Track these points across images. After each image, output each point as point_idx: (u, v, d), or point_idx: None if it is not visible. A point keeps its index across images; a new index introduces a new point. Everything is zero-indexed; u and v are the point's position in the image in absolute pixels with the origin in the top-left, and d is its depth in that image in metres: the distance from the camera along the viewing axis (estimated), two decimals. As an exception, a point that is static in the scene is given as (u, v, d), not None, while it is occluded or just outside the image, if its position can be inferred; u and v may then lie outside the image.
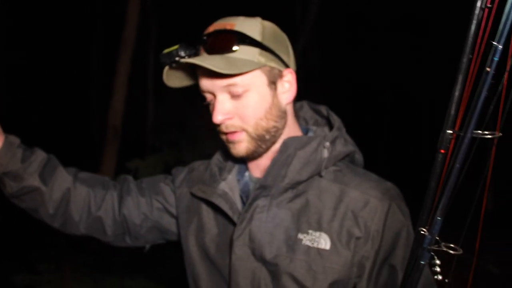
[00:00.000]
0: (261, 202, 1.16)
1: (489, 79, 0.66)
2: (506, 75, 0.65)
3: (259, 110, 1.13)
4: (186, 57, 1.13)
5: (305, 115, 1.35)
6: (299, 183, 1.15)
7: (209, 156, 1.37)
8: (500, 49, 0.64)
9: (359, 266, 1.10)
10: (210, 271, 1.26)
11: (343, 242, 1.10)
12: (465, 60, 0.69)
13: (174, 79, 1.23)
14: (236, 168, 1.31)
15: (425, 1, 9.87)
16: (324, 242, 1.10)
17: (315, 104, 1.36)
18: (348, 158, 1.24)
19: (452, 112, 0.70)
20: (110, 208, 1.38)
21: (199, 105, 1.22)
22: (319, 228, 1.12)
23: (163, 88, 1.30)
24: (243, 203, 1.23)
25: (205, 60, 1.07)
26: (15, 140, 1.28)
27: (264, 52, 1.12)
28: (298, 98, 1.36)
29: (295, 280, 1.10)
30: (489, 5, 0.66)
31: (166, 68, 1.18)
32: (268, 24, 1.16)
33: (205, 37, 1.13)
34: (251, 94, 1.12)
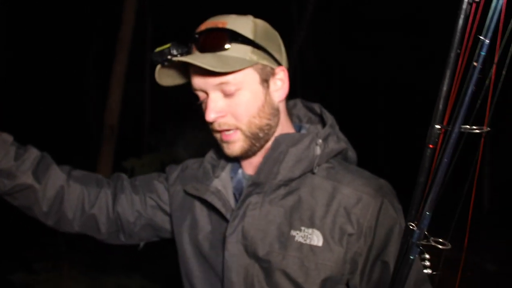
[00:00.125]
0: (253, 199, 1.16)
1: (476, 74, 0.66)
2: (494, 68, 0.65)
3: (252, 108, 1.14)
4: (178, 55, 1.13)
5: (298, 112, 1.36)
6: (291, 180, 1.16)
7: (204, 155, 1.37)
8: (487, 43, 0.65)
9: (351, 263, 1.10)
10: (204, 268, 1.26)
11: (335, 238, 1.10)
12: (452, 55, 0.69)
13: (166, 77, 1.23)
14: (229, 165, 1.31)
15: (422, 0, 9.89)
16: (316, 238, 1.10)
17: (309, 102, 1.36)
18: (341, 155, 1.24)
19: (440, 107, 0.71)
20: (104, 206, 1.38)
21: (195, 104, 1.22)
22: (311, 224, 1.12)
23: (160, 88, 1.30)
24: (236, 200, 1.23)
25: (197, 59, 1.07)
26: (8, 138, 1.27)
27: (256, 50, 1.12)
28: (294, 97, 1.36)
29: (288, 276, 1.11)
30: (476, 0, 0.67)
31: (158, 66, 1.18)
32: (260, 22, 1.16)
33: (197, 35, 1.13)
34: (244, 92, 1.12)
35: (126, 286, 3.31)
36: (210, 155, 1.34)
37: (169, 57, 1.14)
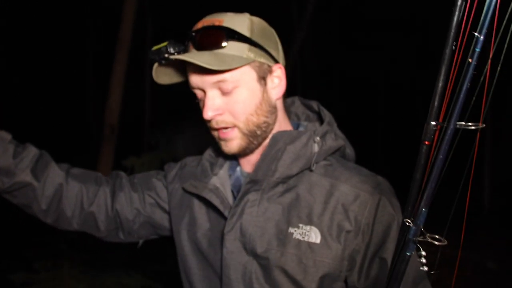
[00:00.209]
0: (251, 196, 1.16)
1: (471, 70, 0.66)
2: (489, 63, 0.65)
3: (250, 106, 1.14)
4: (175, 53, 1.14)
5: (296, 110, 1.36)
6: (289, 177, 1.16)
7: (203, 153, 1.38)
8: (481, 40, 0.65)
9: (349, 260, 1.11)
10: (202, 266, 1.26)
11: (333, 235, 1.10)
12: (447, 51, 0.69)
13: (163, 76, 1.23)
14: (227, 163, 1.31)
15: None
16: (314, 235, 1.11)
17: (307, 100, 1.36)
18: (339, 152, 1.25)
19: (436, 103, 0.71)
20: (102, 204, 1.39)
21: (193, 102, 1.23)
22: (309, 222, 1.12)
23: (160, 87, 1.31)
24: (235, 197, 1.24)
25: (194, 57, 1.07)
26: (7, 135, 1.28)
27: (253, 48, 1.12)
28: (294, 96, 1.36)
29: (286, 273, 1.11)
30: (471, -4, 0.67)
31: (156, 65, 1.19)
32: (256, 19, 1.17)
33: (193, 34, 1.13)
34: (241, 90, 1.13)
35: (126, 285, 3.31)
36: (209, 153, 1.35)
37: (166, 55, 1.14)
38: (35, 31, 10.50)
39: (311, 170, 1.16)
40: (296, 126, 1.30)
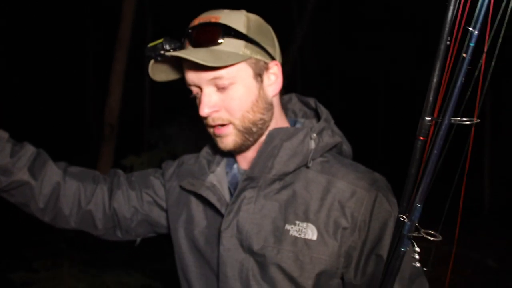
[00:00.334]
0: (248, 193, 1.16)
1: (465, 65, 0.66)
2: (483, 56, 0.65)
3: (246, 103, 1.14)
4: (171, 50, 1.14)
5: (294, 107, 1.36)
6: (286, 174, 1.16)
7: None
8: (476, 34, 0.64)
9: (346, 256, 1.10)
10: (199, 263, 1.26)
11: (330, 232, 1.10)
12: (442, 46, 0.69)
13: (160, 73, 1.23)
14: (224, 160, 1.31)
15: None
16: (311, 232, 1.11)
17: (304, 97, 1.36)
18: (335, 149, 1.25)
19: (431, 99, 0.70)
20: (100, 202, 1.39)
21: (189, 99, 1.23)
22: (306, 219, 1.12)
23: (159, 86, 1.30)
24: (232, 195, 1.23)
25: (190, 53, 1.07)
26: (4, 134, 1.28)
27: (249, 45, 1.12)
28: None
29: (283, 270, 1.11)
30: (465, -10, 0.66)
31: (152, 62, 1.18)
32: (253, 16, 1.16)
33: (190, 30, 1.13)
34: (237, 87, 1.12)
35: (126, 284, 3.32)
36: (206, 150, 1.35)
37: (162, 52, 1.14)
38: (34, 31, 10.50)
39: (307, 167, 1.16)
40: (293, 123, 1.30)
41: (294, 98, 1.36)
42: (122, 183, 1.42)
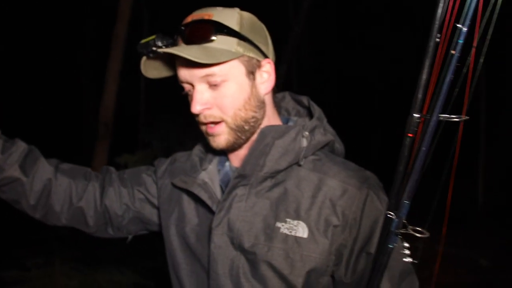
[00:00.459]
0: (239, 191, 1.16)
1: (454, 62, 0.66)
2: (473, 51, 0.65)
3: (238, 100, 1.13)
4: (163, 47, 1.13)
5: (287, 105, 1.36)
6: (277, 172, 1.16)
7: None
8: (464, 31, 0.65)
9: (336, 254, 1.11)
10: (190, 261, 1.26)
11: (320, 230, 1.10)
12: (431, 43, 0.69)
13: (152, 70, 1.23)
14: (216, 158, 1.31)
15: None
16: (302, 230, 1.11)
17: (297, 95, 1.36)
18: (328, 147, 1.25)
19: (420, 96, 0.71)
20: (91, 199, 1.38)
21: (183, 96, 1.22)
22: (297, 216, 1.12)
23: (155, 84, 1.30)
24: (223, 192, 1.23)
25: (182, 50, 1.07)
26: None
27: (242, 42, 1.12)
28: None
29: (273, 268, 1.11)
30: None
31: (144, 58, 1.18)
32: (246, 14, 1.16)
33: (182, 27, 1.13)
34: (229, 84, 1.12)
35: (118, 282, 3.31)
36: (198, 148, 1.34)
37: (154, 48, 1.14)
38: (29, 29, 10.45)
39: (299, 165, 1.16)
40: (286, 121, 1.30)
41: (287, 96, 1.36)
42: (114, 180, 1.42)
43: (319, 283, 1.12)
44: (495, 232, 7.12)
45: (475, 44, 0.64)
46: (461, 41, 0.65)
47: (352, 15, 12.24)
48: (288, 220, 1.12)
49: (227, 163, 1.29)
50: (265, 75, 1.18)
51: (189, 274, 1.26)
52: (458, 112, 0.69)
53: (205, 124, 1.17)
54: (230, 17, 1.13)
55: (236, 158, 1.25)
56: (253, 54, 1.14)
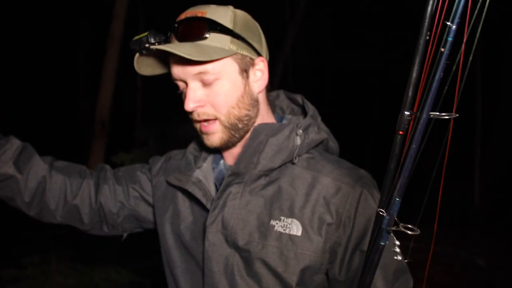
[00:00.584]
0: (234, 189, 1.16)
1: (444, 60, 0.66)
2: (463, 47, 0.65)
3: (231, 98, 1.14)
4: (156, 43, 1.13)
5: (281, 104, 1.36)
6: (271, 170, 1.16)
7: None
8: (454, 29, 0.65)
9: (330, 252, 1.11)
10: (185, 258, 1.26)
11: (314, 228, 1.10)
12: (421, 41, 0.69)
13: (145, 67, 1.23)
14: (211, 156, 1.31)
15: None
16: (296, 228, 1.11)
17: (291, 93, 1.36)
18: (322, 145, 1.25)
19: (410, 93, 0.71)
20: (86, 197, 1.38)
21: (176, 94, 1.22)
22: (291, 214, 1.12)
23: (151, 83, 1.31)
24: (218, 190, 1.23)
25: (175, 47, 1.07)
26: None
27: (235, 40, 1.12)
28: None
29: (267, 266, 1.11)
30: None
31: (137, 55, 1.18)
32: (240, 12, 1.16)
33: (176, 25, 1.12)
34: (223, 82, 1.12)
35: (114, 281, 3.30)
36: (193, 146, 1.35)
37: (146, 45, 1.13)
38: (26, 28, 10.42)
39: (293, 163, 1.16)
40: (280, 119, 1.30)
41: (281, 94, 1.36)
42: (108, 178, 1.42)
43: (313, 281, 1.13)
44: (491, 231, 7.15)
45: (464, 40, 0.65)
46: (450, 39, 0.66)
47: (348, 15, 12.24)
48: (282, 218, 1.12)
49: (221, 161, 1.29)
50: (258, 73, 1.18)
51: (184, 272, 1.26)
52: (450, 110, 0.70)
53: (199, 122, 1.17)
54: (224, 14, 1.13)
55: (230, 156, 1.25)
56: (246, 52, 1.14)
